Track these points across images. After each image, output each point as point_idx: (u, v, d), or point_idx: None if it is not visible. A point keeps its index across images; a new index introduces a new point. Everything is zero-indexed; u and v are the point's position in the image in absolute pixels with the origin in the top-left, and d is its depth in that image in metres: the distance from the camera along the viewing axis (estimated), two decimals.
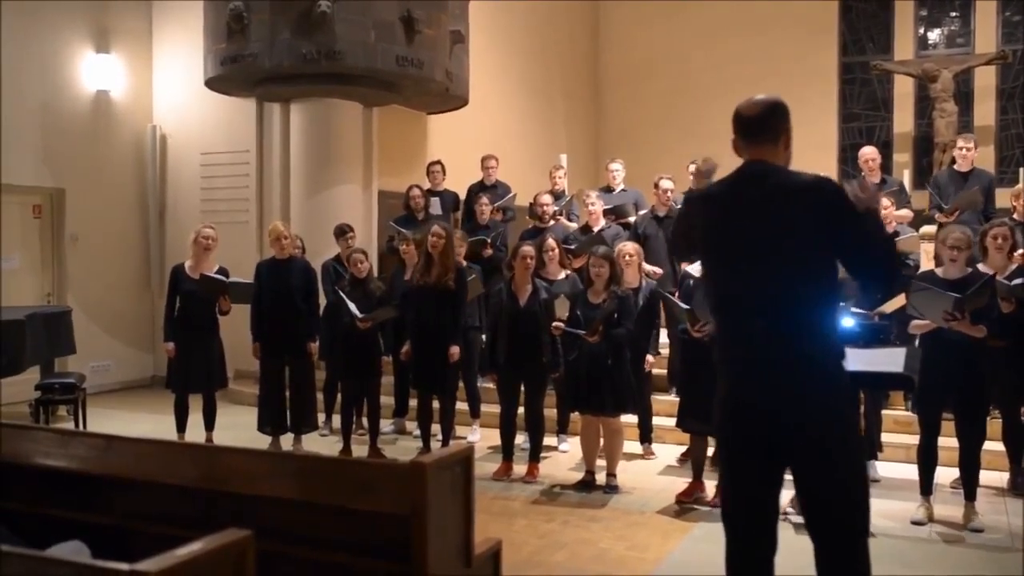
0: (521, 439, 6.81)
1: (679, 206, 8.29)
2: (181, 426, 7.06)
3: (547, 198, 8.48)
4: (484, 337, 7.13)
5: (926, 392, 5.20)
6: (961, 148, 8.19)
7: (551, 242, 7.09)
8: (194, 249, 7.09)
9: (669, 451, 7.09)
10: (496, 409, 6.83)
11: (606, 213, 8.40)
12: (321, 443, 7.58)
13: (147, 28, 10.87)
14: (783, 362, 2.77)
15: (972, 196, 7.65)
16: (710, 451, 5.98)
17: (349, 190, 9.83)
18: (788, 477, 2.90)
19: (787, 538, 3.05)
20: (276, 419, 7.21)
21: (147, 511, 2.92)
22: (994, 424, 5.75)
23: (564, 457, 7.18)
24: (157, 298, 10.10)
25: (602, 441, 6.30)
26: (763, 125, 2.93)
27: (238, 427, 7.53)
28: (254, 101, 10.21)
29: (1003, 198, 7.86)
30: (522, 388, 6.60)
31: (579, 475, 6.37)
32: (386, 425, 7.75)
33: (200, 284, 6.89)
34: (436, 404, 6.99)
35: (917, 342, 5.38)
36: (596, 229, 8.07)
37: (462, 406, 7.60)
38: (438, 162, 9.43)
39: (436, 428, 6.99)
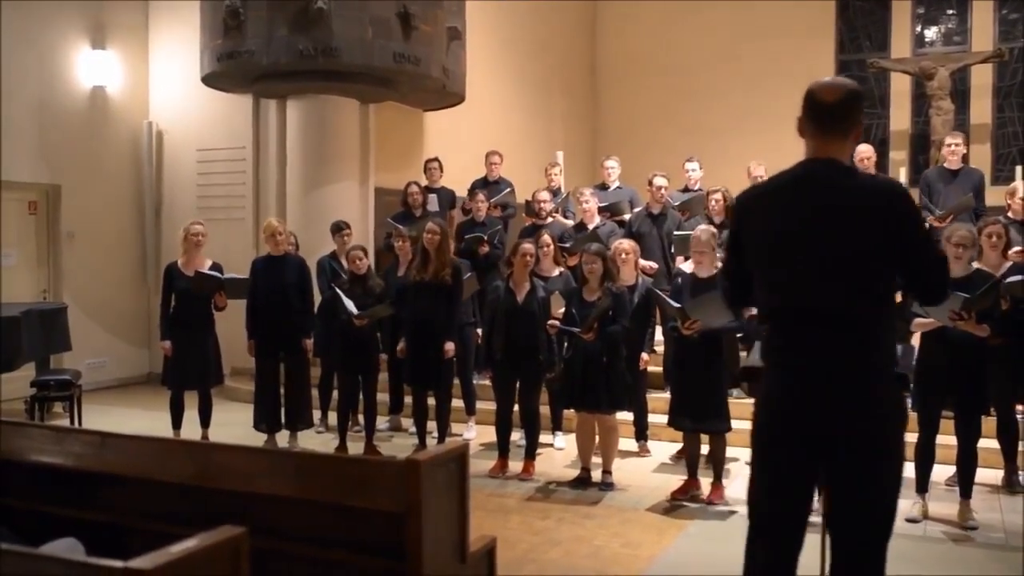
0: (517, 436, 6.82)
1: (675, 205, 8.42)
2: (177, 423, 7.06)
3: (545, 195, 8.49)
4: (480, 332, 7.14)
5: (927, 390, 5.21)
6: (950, 145, 8.22)
7: (546, 238, 7.12)
8: (185, 246, 7.09)
9: (664, 448, 7.10)
10: (492, 406, 6.83)
11: (601, 211, 8.41)
12: (317, 440, 7.58)
13: (143, 24, 10.85)
14: (838, 374, 2.68)
15: (965, 202, 7.68)
16: (704, 448, 6.01)
17: (346, 187, 9.82)
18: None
19: None
20: (272, 417, 7.21)
21: (143, 508, 2.92)
22: (989, 422, 5.77)
23: (560, 454, 7.19)
24: (153, 295, 10.10)
25: (598, 438, 6.31)
26: (843, 114, 2.74)
27: (234, 424, 7.53)
28: (250, 98, 10.19)
29: (1001, 196, 7.86)
30: (518, 385, 6.61)
31: (574, 472, 6.38)
32: (381, 422, 7.75)
33: (193, 281, 6.89)
34: (431, 401, 6.99)
35: (913, 340, 5.39)
36: (591, 226, 8.08)
37: (458, 403, 7.61)
38: (435, 159, 9.42)
39: (432, 425, 7.00)
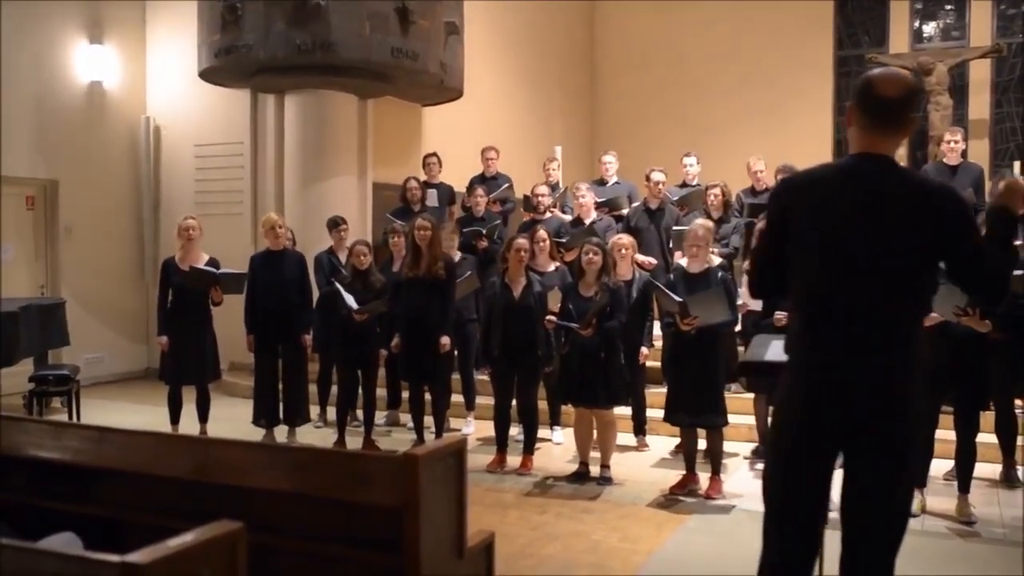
0: (515, 431, 6.82)
1: (673, 200, 8.42)
2: (175, 418, 7.06)
3: (543, 189, 8.49)
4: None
5: (928, 385, 5.20)
6: (949, 141, 8.22)
7: (542, 233, 7.12)
8: (179, 241, 7.10)
9: (663, 443, 7.10)
10: (490, 401, 6.84)
11: (599, 206, 8.40)
12: (315, 435, 7.58)
13: (141, 19, 10.83)
14: (870, 370, 2.64)
15: (965, 198, 7.66)
16: (701, 444, 6.01)
17: (343, 182, 9.82)
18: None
19: None
20: (270, 412, 7.21)
21: (140, 503, 2.92)
22: (987, 416, 5.77)
23: (558, 449, 7.19)
24: (151, 289, 10.07)
25: (596, 433, 6.32)
26: (903, 110, 2.66)
27: (232, 419, 7.53)
28: (248, 92, 10.18)
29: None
30: (516, 380, 6.61)
31: (573, 467, 6.38)
32: (379, 417, 7.74)
33: (187, 277, 6.89)
34: (428, 396, 6.99)
35: None
36: (588, 221, 8.07)
37: (458, 398, 7.62)
38: (434, 154, 9.41)
39: (430, 420, 7.00)
